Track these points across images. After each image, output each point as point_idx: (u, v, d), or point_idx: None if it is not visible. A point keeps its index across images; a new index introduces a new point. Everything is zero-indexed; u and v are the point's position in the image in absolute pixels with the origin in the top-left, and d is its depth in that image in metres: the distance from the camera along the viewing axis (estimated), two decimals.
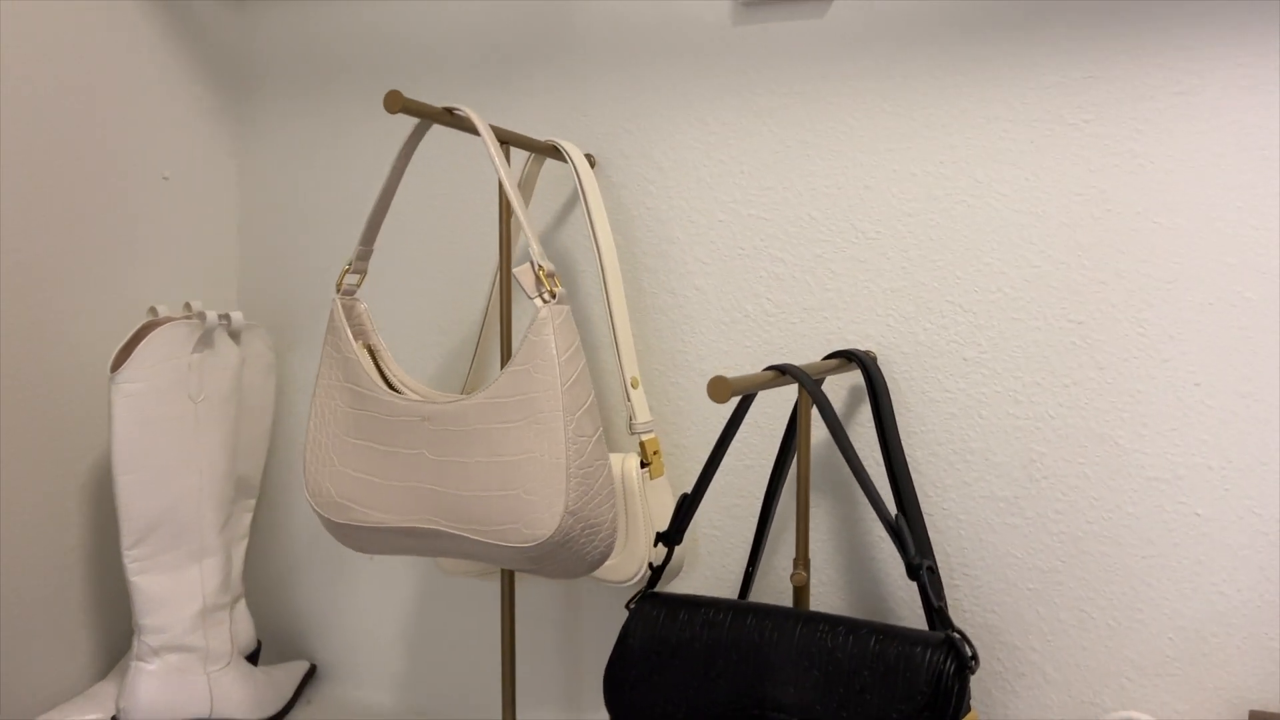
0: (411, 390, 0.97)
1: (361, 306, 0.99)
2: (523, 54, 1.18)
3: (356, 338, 0.97)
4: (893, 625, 0.77)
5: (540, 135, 1.15)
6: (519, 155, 1.15)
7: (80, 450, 1.22)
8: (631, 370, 1.05)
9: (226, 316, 1.25)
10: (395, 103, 0.84)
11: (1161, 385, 0.90)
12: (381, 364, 0.98)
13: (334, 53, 1.31)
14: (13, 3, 1.13)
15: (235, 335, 1.26)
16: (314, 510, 0.99)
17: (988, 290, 0.96)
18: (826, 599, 1.06)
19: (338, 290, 0.96)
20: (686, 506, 0.86)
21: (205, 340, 1.18)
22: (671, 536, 0.87)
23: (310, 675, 1.40)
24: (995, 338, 0.96)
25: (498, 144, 0.89)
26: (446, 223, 1.25)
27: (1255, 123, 0.86)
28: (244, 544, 1.33)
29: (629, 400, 1.04)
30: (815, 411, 0.95)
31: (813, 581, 1.06)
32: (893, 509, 0.97)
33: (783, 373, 0.80)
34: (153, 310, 1.19)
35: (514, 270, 0.86)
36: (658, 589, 0.95)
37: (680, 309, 1.11)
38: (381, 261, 1.29)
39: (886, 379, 1.00)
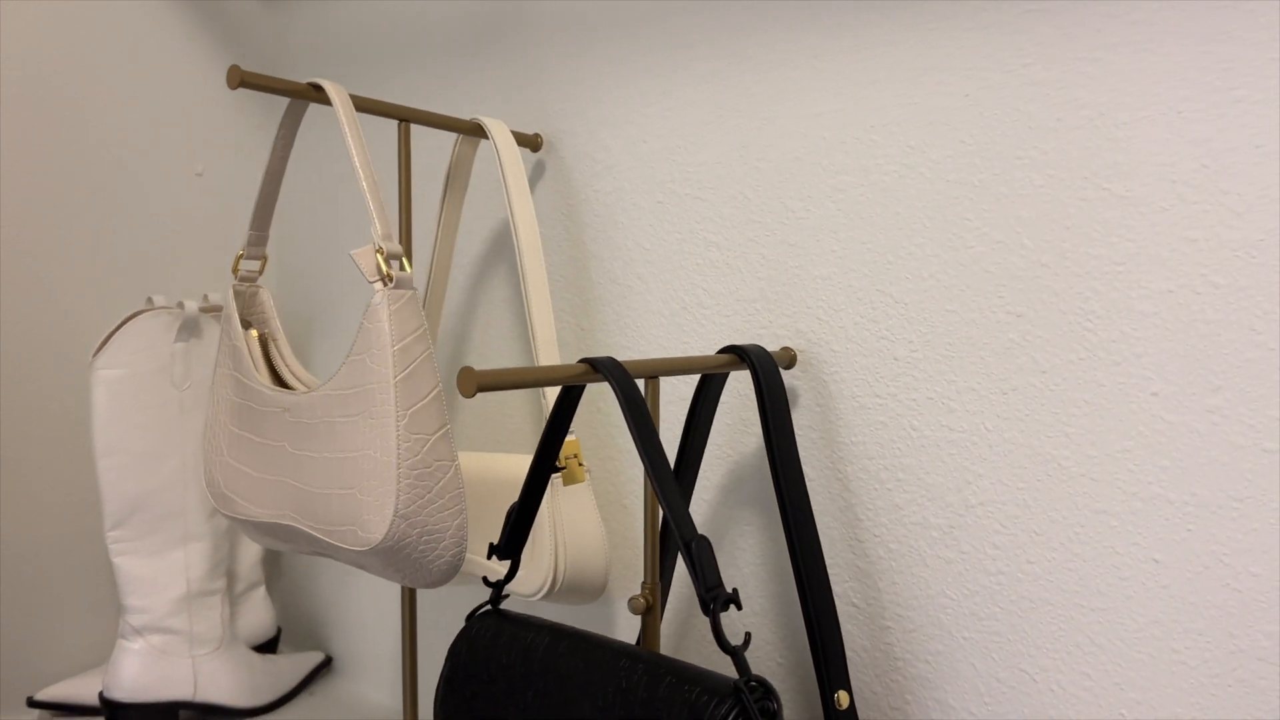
0: (301, 382, 0.94)
1: (264, 294, 0.96)
2: (482, 34, 1.12)
3: (252, 326, 0.95)
4: (695, 668, 0.64)
5: (479, 115, 1.09)
6: (445, 138, 1.09)
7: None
8: (549, 363, 0.96)
9: (220, 308, 1.27)
10: (234, 78, 0.81)
11: (1112, 395, 0.71)
12: (273, 354, 0.95)
13: (364, 45, 1.30)
14: (48, 2, 1.20)
15: None
16: (210, 501, 0.98)
17: (920, 277, 0.80)
18: (760, 631, 0.92)
19: (234, 276, 0.94)
20: (516, 517, 0.77)
21: (190, 329, 1.21)
22: (504, 549, 0.78)
23: (323, 667, 1.40)
24: (927, 334, 0.80)
25: (354, 117, 0.84)
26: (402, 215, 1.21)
27: (1230, 54, 0.66)
28: None
29: (544, 398, 0.95)
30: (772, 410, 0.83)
31: (728, 616, 0.93)
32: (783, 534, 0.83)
33: (595, 368, 0.69)
34: (149, 300, 1.23)
35: (352, 252, 0.80)
36: (551, 602, 0.87)
37: (624, 300, 1.01)
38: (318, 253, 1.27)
39: (816, 381, 0.86)
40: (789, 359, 0.86)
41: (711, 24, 0.92)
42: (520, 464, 0.97)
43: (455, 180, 1.02)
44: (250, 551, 1.34)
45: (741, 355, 0.80)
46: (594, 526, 0.95)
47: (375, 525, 0.79)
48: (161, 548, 1.20)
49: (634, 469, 1.01)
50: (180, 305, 1.19)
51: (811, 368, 0.87)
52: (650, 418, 0.68)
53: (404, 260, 0.82)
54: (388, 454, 0.78)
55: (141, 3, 1.28)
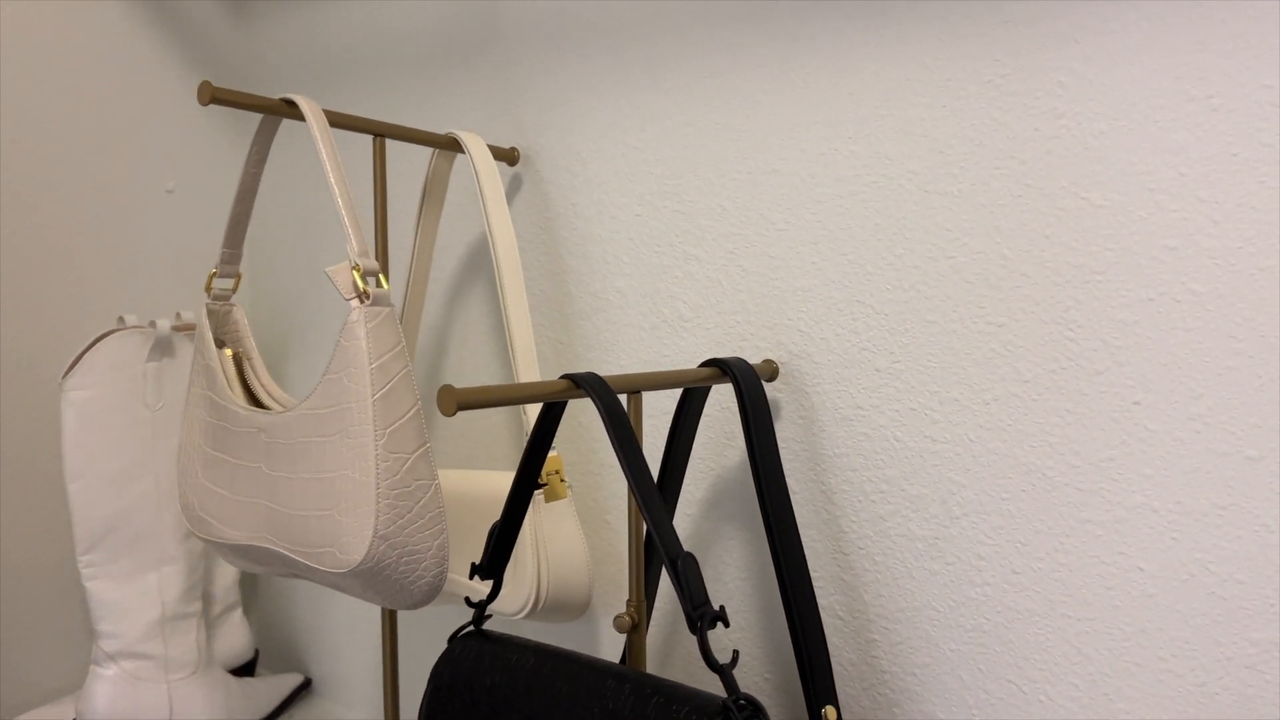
0: (277, 401, 0.92)
1: (238, 312, 0.95)
2: (459, 48, 1.12)
3: (225, 344, 0.94)
4: (683, 687, 0.64)
5: (455, 130, 1.08)
6: (423, 153, 1.09)
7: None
8: (529, 378, 0.95)
9: (194, 326, 1.25)
10: (205, 94, 0.80)
11: (1094, 404, 0.71)
12: (248, 373, 0.93)
13: (340, 60, 1.29)
14: (12, 10, 1.18)
15: None
16: (185, 523, 0.96)
17: (900, 288, 0.80)
18: (746, 647, 0.92)
19: (208, 294, 0.93)
20: (498, 536, 0.76)
21: (162, 349, 1.19)
22: (486, 569, 0.77)
23: (302, 689, 1.38)
24: (909, 344, 0.80)
25: (328, 132, 0.83)
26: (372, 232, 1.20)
27: (1204, 64, 0.66)
28: None
29: (525, 414, 0.95)
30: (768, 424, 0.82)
31: (714, 632, 0.92)
32: (768, 549, 0.83)
33: (576, 384, 0.68)
34: (120, 320, 1.21)
35: (327, 270, 0.79)
36: (527, 621, 0.85)
37: (603, 314, 1.00)
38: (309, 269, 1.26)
39: (798, 392, 0.86)
40: (771, 371, 0.86)
41: (683, 39, 0.92)
42: (501, 481, 0.96)
43: (431, 195, 1.02)
44: (227, 573, 1.32)
45: (724, 368, 0.80)
46: (577, 543, 0.95)
47: (354, 547, 0.77)
48: (135, 571, 1.18)
49: (616, 484, 1.00)
50: (153, 324, 1.18)
51: (793, 380, 0.86)
52: (633, 433, 0.67)
53: (380, 277, 0.81)
54: (366, 474, 0.77)
55: (108, 17, 1.26)
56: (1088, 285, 0.71)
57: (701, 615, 0.62)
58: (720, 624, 0.67)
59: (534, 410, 0.95)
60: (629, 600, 0.75)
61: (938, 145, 0.78)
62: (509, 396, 0.64)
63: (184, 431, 0.94)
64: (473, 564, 0.77)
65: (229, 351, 0.93)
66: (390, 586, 0.80)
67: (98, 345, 1.14)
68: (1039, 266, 0.73)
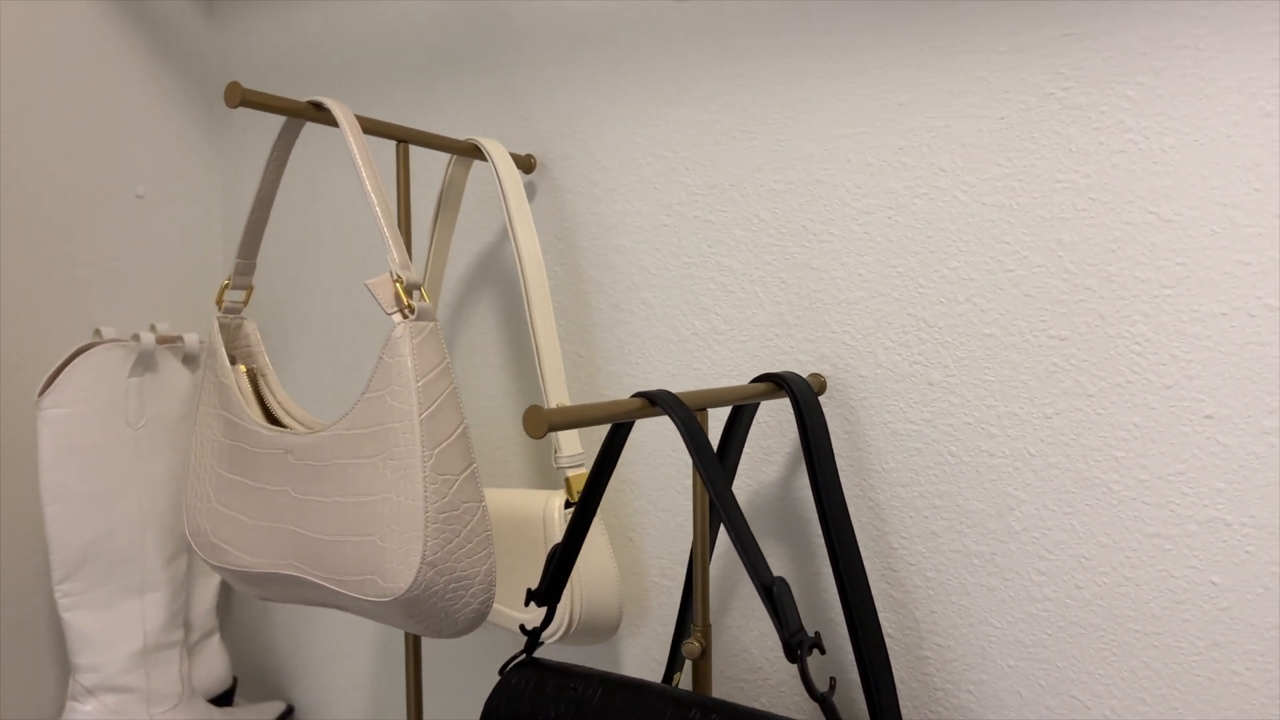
0: (296, 420, 0.87)
1: (249, 326, 0.90)
2: (466, 54, 1.08)
3: (237, 360, 0.89)
4: (776, 716, 0.61)
5: (476, 136, 1.04)
6: (441, 159, 1.05)
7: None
8: (559, 396, 0.92)
9: (179, 339, 1.19)
10: (234, 96, 0.75)
11: (1164, 418, 0.71)
12: (263, 390, 0.88)
13: (326, 63, 1.24)
14: None
15: (191, 359, 1.20)
16: (194, 550, 0.91)
17: (954, 301, 0.79)
18: (770, 674, 0.90)
19: (219, 308, 0.88)
20: (559, 560, 0.73)
21: (145, 364, 1.12)
22: (544, 595, 0.73)
23: (285, 718, 1.32)
24: (964, 358, 0.79)
25: (361, 137, 0.79)
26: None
27: (1276, 82, 0.66)
28: (216, 577, 1.27)
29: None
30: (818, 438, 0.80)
31: (753, 651, 0.90)
32: (828, 565, 0.81)
33: (652, 402, 0.65)
34: (97, 333, 1.14)
35: (367, 282, 0.75)
36: (572, 648, 0.82)
37: (626, 326, 0.98)
38: (315, 280, 1.21)
39: (844, 406, 0.84)
40: (819, 386, 0.84)
41: (716, 47, 0.90)
42: (520, 499, 0.92)
43: (448, 203, 0.98)
44: (205, 597, 1.26)
45: (779, 383, 0.78)
46: (607, 563, 0.92)
47: (399, 574, 0.74)
48: (115, 599, 1.11)
49: (638, 500, 0.98)
50: (136, 337, 1.11)
51: (838, 394, 0.85)
52: (714, 454, 0.64)
53: (423, 290, 0.77)
54: (413, 497, 0.73)
55: (73, 16, 1.19)
56: (1156, 299, 0.71)
57: (799, 642, 0.60)
58: (818, 650, 0.65)
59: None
60: (694, 625, 0.72)
61: (995, 158, 0.77)
62: (593, 416, 0.61)
63: (193, 454, 0.88)
64: (528, 590, 0.73)
65: (243, 368, 0.88)
66: (435, 615, 0.76)
67: (76, 360, 1.07)
68: (1104, 280, 0.73)
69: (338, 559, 0.77)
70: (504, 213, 0.92)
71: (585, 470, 0.92)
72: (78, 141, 1.20)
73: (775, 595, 0.60)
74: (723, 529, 0.87)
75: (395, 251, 0.76)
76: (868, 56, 0.83)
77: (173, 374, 1.16)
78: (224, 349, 0.86)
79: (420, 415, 0.74)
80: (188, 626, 1.24)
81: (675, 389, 0.94)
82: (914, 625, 0.82)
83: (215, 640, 1.27)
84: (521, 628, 0.74)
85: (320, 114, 0.81)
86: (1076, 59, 0.73)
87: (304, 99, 0.80)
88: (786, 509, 0.88)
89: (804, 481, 0.87)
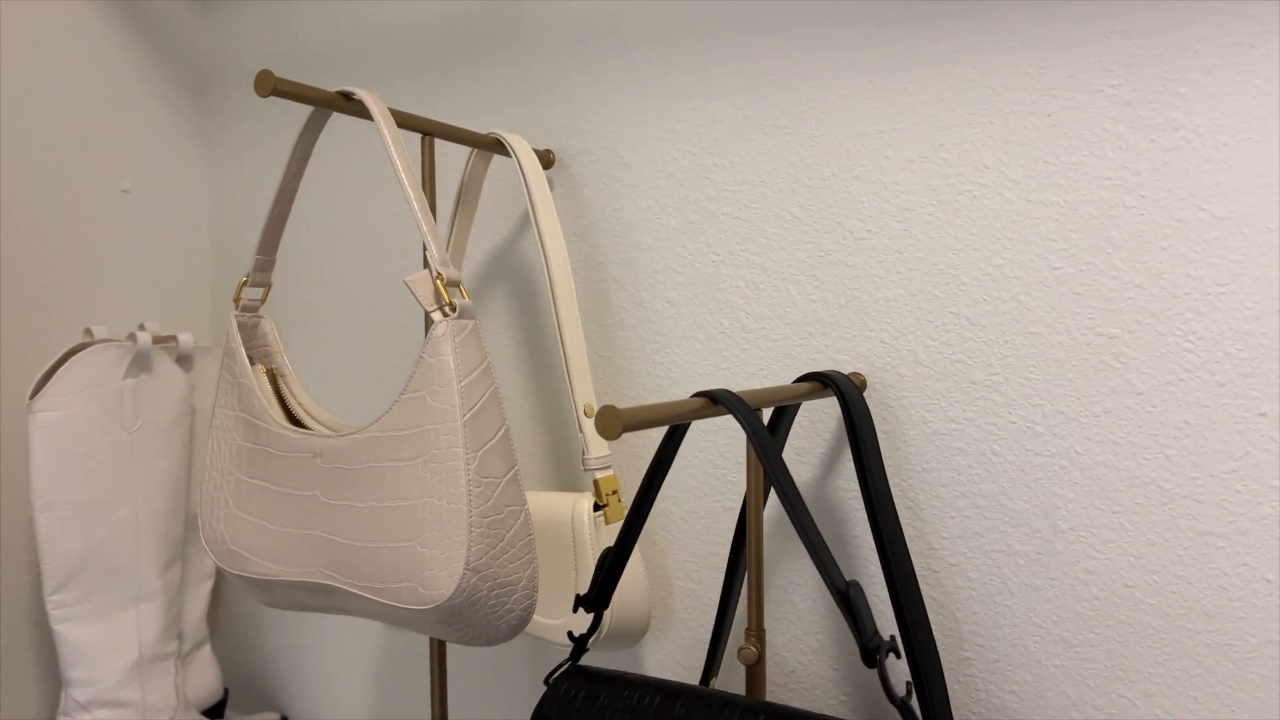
0: (317, 421, 0.84)
1: (267, 325, 0.86)
2: (477, 44, 1.05)
3: (258, 360, 0.85)
4: None
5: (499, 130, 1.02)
6: (460, 152, 1.02)
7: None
8: (585, 396, 0.90)
9: (172, 338, 1.15)
10: (265, 85, 0.72)
11: (1216, 416, 0.71)
12: (284, 391, 0.85)
13: (311, 54, 1.20)
14: None
15: (185, 359, 1.16)
16: (211, 558, 0.87)
17: (999, 299, 0.79)
18: (821, 675, 0.89)
19: (236, 306, 0.84)
20: (610, 564, 0.71)
21: (140, 364, 1.08)
22: (594, 600, 0.71)
23: None
24: (1009, 356, 0.78)
25: (395, 129, 0.76)
26: (384, 230, 1.12)
27: None
28: (208, 585, 1.23)
29: (581, 431, 0.89)
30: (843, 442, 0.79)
31: (784, 655, 0.89)
32: (877, 567, 0.80)
33: (714, 401, 0.64)
34: (88, 332, 1.10)
35: (406, 279, 0.73)
36: (588, 653, 0.80)
37: (650, 324, 0.96)
38: (315, 276, 1.17)
39: (881, 405, 0.83)
40: (860, 384, 0.83)
41: (746, 42, 0.89)
42: (546, 502, 0.90)
43: (467, 198, 0.95)
44: (196, 606, 1.21)
45: (825, 381, 0.77)
46: (637, 567, 0.90)
47: (441, 580, 0.71)
48: (110, 609, 1.07)
49: (662, 503, 0.96)
50: (132, 337, 1.07)
51: (876, 393, 0.84)
52: (780, 455, 0.63)
53: (461, 288, 0.74)
54: (456, 501, 0.71)
55: (57, 7, 1.14)
56: (1209, 297, 0.71)
57: (876, 647, 0.59)
58: (894, 654, 0.63)
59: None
60: (749, 630, 0.71)
61: (1041, 155, 0.76)
62: (664, 416, 0.60)
63: (209, 458, 0.85)
64: (577, 596, 0.71)
65: (262, 368, 0.85)
66: (476, 622, 0.73)
67: (70, 361, 1.03)
68: (1154, 278, 0.73)
69: (373, 566, 0.74)
70: (528, 209, 0.90)
71: (612, 472, 0.90)
72: (61, 134, 1.15)
73: (851, 599, 0.59)
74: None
75: (434, 247, 0.73)
76: (906, 52, 0.82)
77: (167, 375, 1.12)
78: (243, 349, 0.83)
79: (463, 417, 0.71)
80: (180, 637, 1.19)
81: (700, 388, 0.93)
82: (955, 627, 0.82)
83: (206, 651, 1.23)
84: (570, 635, 0.72)
85: (349, 105, 0.78)
86: (1126, 56, 0.73)
87: (326, 89, 0.77)
88: (821, 509, 0.87)
89: (839, 483, 0.86)
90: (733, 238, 0.91)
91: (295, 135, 1.20)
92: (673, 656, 0.97)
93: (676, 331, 0.94)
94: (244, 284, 0.84)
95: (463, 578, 0.70)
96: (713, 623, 0.93)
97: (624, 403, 0.98)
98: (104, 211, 1.19)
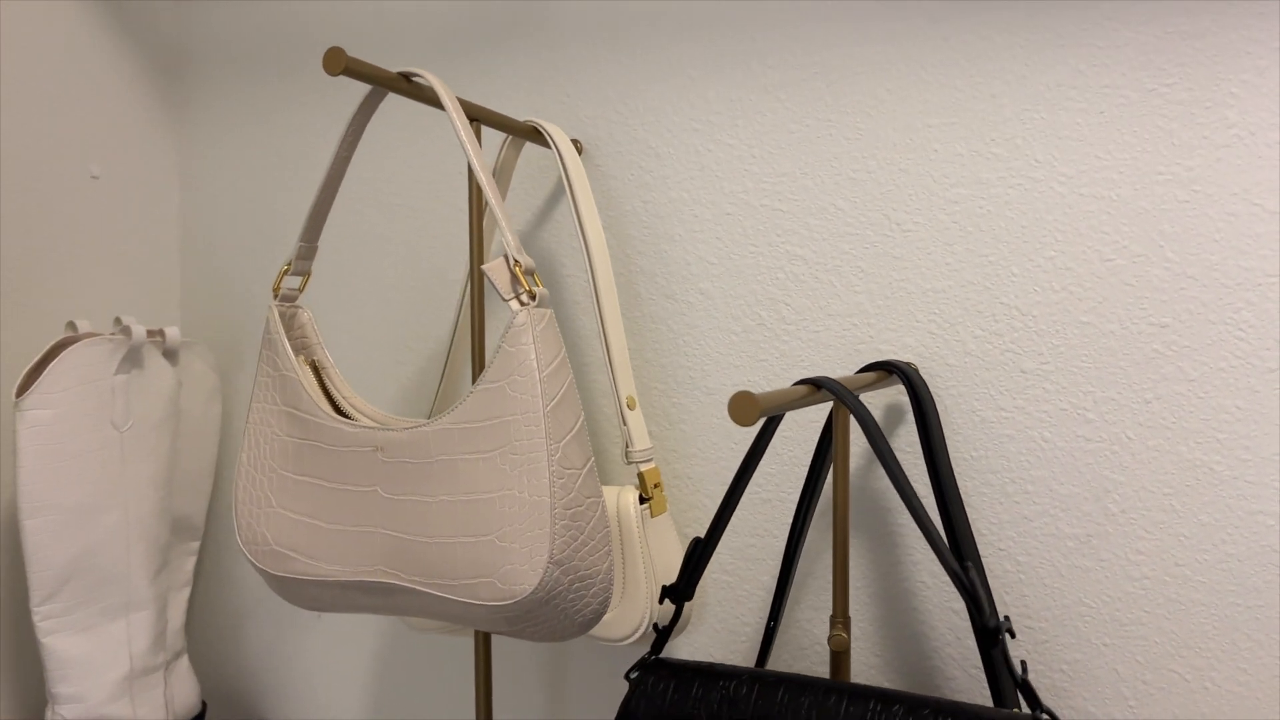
0: (364, 415, 0.81)
1: (305, 315, 0.83)
2: (496, 27, 1.03)
3: (298, 352, 0.82)
4: (961, 704, 0.61)
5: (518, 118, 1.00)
6: (492, 139, 1.00)
7: None
8: (627, 389, 0.89)
9: (160, 333, 1.09)
10: (337, 63, 0.69)
11: (1267, 400, 0.75)
12: (328, 383, 0.82)
13: (287, 37, 1.15)
14: None
15: (171, 354, 1.10)
16: (248, 560, 0.83)
17: (1050, 289, 0.81)
18: (863, 662, 0.90)
19: (275, 295, 0.81)
20: (700, 554, 0.70)
21: (132, 359, 1.02)
22: (681, 591, 0.71)
23: None
24: (1059, 346, 0.81)
25: (466, 120, 0.74)
26: (409, 218, 1.09)
27: None
28: (185, 592, 1.17)
29: (624, 424, 0.88)
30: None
31: (813, 644, 0.90)
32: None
33: (818, 387, 0.64)
34: (71, 326, 1.03)
35: (484, 267, 0.71)
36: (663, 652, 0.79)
37: (682, 317, 0.95)
38: (332, 266, 1.13)
39: (930, 394, 0.85)
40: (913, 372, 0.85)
41: (787, 34, 0.89)
42: None
43: (498, 185, 0.93)
44: (176, 614, 1.15)
45: (892, 369, 0.78)
46: (678, 560, 0.89)
47: (523, 575, 0.69)
48: (99, 620, 1.01)
49: (695, 495, 0.96)
50: (126, 331, 1.01)
51: (926, 382, 0.85)
52: (886, 439, 0.64)
53: (536, 276, 0.73)
54: (539, 493, 0.69)
55: None
56: (1260, 287, 0.74)
57: (996, 626, 0.60)
58: (1009, 635, 0.64)
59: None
60: (835, 617, 0.71)
61: (1094, 150, 0.79)
62: (789, 402, 0.59)
63: (246, 455, 0.81)
64: (663, 587, 0.70)
65: (304, 360, 0.81)
66: (553, 618, 0.72)
67: (60, 356, 0.97)
68: (1206, 270, 0.76)
69: (446, 563, 0.72)
70: (568, 199, 0.88)
71: (654, 465, 0.89)
72: (28, 119, 1.08)
73: (970, 579, 0.60)
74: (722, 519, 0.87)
75: (510, 235, 0.72)
76: (955, 48, 0.83)
77: (158, 371, 1.06)
78: (287, 339, 0.79)
79: (546, 407, 0.70)
80: (164, 647, 1.13)
81: (738, 382, 0.93)
82: (1002, 609, 0.84)
83: (184, 662, 1.17)
84: (655, 626, 0.71)
85: (409, 86, 0.76)
86: (1179, 56, 0.76)
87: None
88: (865, 499, 0.88)
89: (880, 472, 0.87)
90: (772, 229, 0.91)
91: (266, 122, 1.16)
92: (705, 649, 0.96)
93: (710, 324, 0.94)
94: (285, 272, 0.81)
95: (546, 571, 0.69)
96: (754, 614, 0.93)
97: (651, 396, 0.97)
98: (73, 198, 1.12)
